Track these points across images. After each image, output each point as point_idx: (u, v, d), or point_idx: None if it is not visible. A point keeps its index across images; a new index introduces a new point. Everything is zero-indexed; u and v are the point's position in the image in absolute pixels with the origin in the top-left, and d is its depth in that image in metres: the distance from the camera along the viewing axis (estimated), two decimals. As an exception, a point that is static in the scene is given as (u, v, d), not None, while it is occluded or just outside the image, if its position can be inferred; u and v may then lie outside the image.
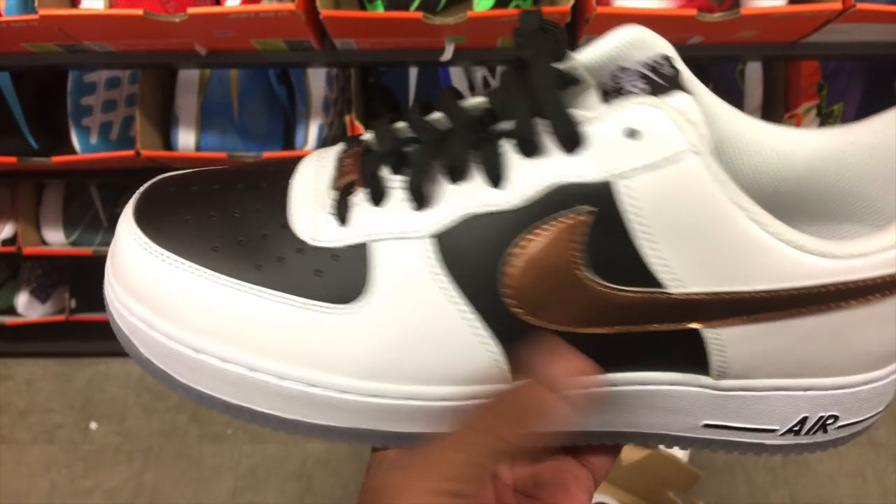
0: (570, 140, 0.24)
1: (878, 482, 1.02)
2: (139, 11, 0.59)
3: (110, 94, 0.83)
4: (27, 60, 0.69)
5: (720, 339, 0.27)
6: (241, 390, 0.27)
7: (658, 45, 0.27)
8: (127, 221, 0.28)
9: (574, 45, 0.66)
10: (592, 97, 0.27)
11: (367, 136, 0.30)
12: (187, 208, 0.28)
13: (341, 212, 0.27)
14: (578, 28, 0.64)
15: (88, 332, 1.13)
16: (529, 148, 0.25)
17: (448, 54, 0.66)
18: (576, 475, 0.30)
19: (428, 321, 0.26)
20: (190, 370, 0.28)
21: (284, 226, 0.27)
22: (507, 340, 0.27)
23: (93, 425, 1.11)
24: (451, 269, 0.26)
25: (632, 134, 0.23)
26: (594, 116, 0.24)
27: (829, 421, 0.29)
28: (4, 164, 0.79)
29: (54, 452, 1.09)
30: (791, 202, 0.30)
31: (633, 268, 0.25)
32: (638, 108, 0.24)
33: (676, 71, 0.26)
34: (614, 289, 0.25)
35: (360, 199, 0.27)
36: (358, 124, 0.76)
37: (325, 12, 0.59)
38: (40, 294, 1.09)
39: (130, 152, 0.77)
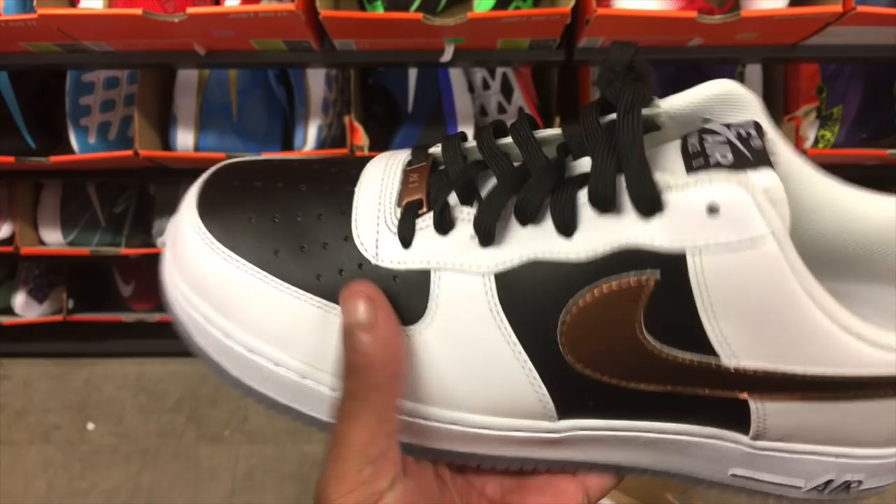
0: (650, 206, 0.24)
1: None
2: (138, 11, 0.58)
3: (109, 93, 0.83)
4: (25, 60, 0.69)
5: (764, 409, 0.27)
6: (290, 393, 0.28)
7: (748, 103, 0.26)
8: (191, 212, 0.29)
9: (573, 47, 0.66)
10: (673, 153, 0.26)
11: (435, 149, 0.30)
12: (251, 206, 0.29)
13: (406, 234, 0.27)
14: (578, 29, 0.64)
15: (86, 333, 1.13)
16: (606, 206, 0.25)
17: (448, 55, 0.66)
18: (563, 489, 0.30)
19: (481, 355, 0.27)
20: (242, 367, 0.28)
21: (347, 238, 0.28)
22: (555, 384, 0.27)
23: (90, 426, 1.10)
24: (509, 310, 0.26)
25: (713, 210, 0.23)
26: (676, 185, 0.24)
27: (854, 484, 0.29)
28: (2, 163, 0.79)
29: (51, 453, 1.09)
30: (855, 262, 0.30)
31: (691, 335, 0.25)
32: (723, 186, 0.23)
33: (764, 143, 0.25)
34: (669, 352, 0.26)
35: (425, 223, 0.27)
36: (357, 125, 0.75)
37: (324, 12, 0.59)
38: (38, 294, 1.09)
39: (129, 152, 0.76)
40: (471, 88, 0.81)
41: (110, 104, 0.83)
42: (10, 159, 0.79)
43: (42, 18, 0.60)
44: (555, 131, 0.28)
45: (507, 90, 0.79)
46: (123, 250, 0.95)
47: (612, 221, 0.25)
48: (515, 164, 0.27)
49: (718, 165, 0.24)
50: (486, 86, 0.80)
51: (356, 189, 0.29)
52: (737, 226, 0.23)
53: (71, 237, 0.97)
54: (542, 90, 0.84)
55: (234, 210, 0.29)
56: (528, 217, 0.26)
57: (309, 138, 0.79)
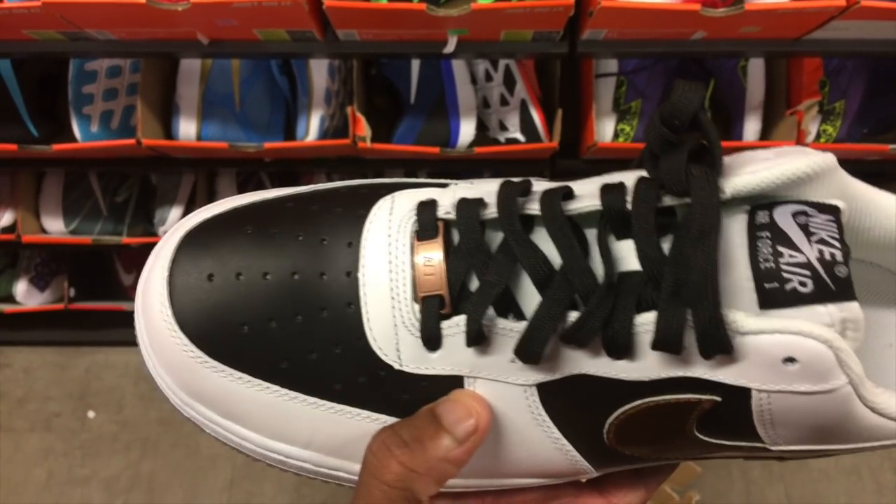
0: (718, 350, 0.22)
1: (872, 479, 1.03)
2: (142, -1, 0.58)
3: (111, 82, 0.83)
4: (28, 48, 0.69)
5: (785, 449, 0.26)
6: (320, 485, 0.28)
7: (829, 176, 0.23)
8: (169, 326, 0.26)
9: (577, 39, 0.66)
10: (739, 258, 0.23)
11: (445, 213, 0.26)
12: (239, 311, 0.25)
13: (430, 335, 0.25)
14: (582, 21, 0.64)
15: (87, 321, 1.13)
16: (670, 350, 0.22)
17: (451, 47, 0.66)
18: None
19: (521, 447, 0.26)
20: (264, 458, 0.28)
21: (361, 338, 0.25)
22: (598, 461, 0.27)
23: (90, 414, 1.11)
24: (552, 415, 0.25)
25: (790, 361, 0.21)
26: (750, 329, 0.21)
27: None
28: (5, 151, 0.79)
29: (52, 441, 1.09)
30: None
31: (744, 435, 0.24)
32: (803, 340, 0.21)
33: (848, 268, 0.22)
34: (719, 441, 0.25)
35: (452, 329, 0.24)
36: (359, 116, 0.76)
37: (327, 2, 0.59)
38: (39, 282, 1.09)
39: (131, 141, 0.76)
40: (473, 80, 0.80)
41: (113, 93, 0.83)
42: (13, 147, 0.79)
43: (45, 6, 0.59)
44: (593, 204, 0.24)
45: (509, 82, 0.79)
46: (125, 239, 0.96)
47: (674, 359, 0.23)
48: (549, 252, 0.24)
49: (795, 294, 0.21)
50: (488, 77, 0.80)
51: (359, 275, 0.25)
52: (814, 378, 0.21)
53: (73, 226, 0.97)
54: (544, 82, 0.84)
55: (220, 320, 0.25)
56: (579, 345, 0.24)
57: (311, 129, 0.79)
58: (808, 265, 0.21)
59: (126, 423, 1.10)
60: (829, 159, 0.23)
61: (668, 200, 0.23)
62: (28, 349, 1.17)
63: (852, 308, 0.21)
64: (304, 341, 0.25)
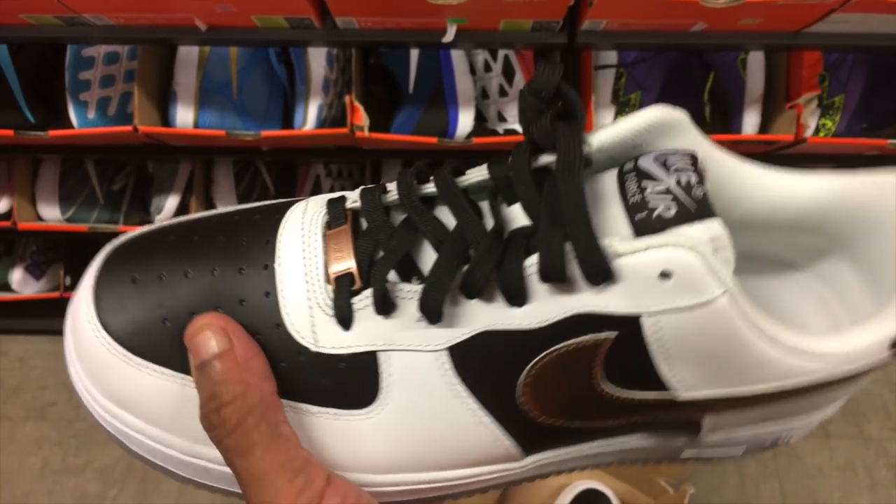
0: (602, 277, 0.23)
1: (867, 475, 1.03)
2: (139, -17, 0.58)
3: (109, 69, 0.83)
4: (25, 32, 0.68)
5: (714, 420, 0.28)
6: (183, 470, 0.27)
7: (682, 128, 0.26)
8: (90, 320, 0.26)
9: (576, 30, 0.66)
10: (612, 201, 0.25)
11: (353, 203, 0.28)
12: (160, 307, 0.26)
13: (343, 315, 0.26)
14: (582, 11, 0.64)
15: (83, 310, 1.13)
16: (557, 280, 0.24)
17: (450, 36, 0.66)
18: None
19: (443, 424, 0.26)
20: (188, 469, 0.27)
21: (279, 325, 0.26)
22: (521, 435, 0.27)
23: (85, 403, 1.11)
24: (465, 379, 0.26)
25: (665, 276, 0.23)
26: (626, 251, 0.23)
27: (783, 440, 0.31)
28: (1, 137, 0.79)
29: (46, 429, 1.09)
30: (785, 242, 0.31)
31: (648, 379, 0.25)
32: (673, 251, 0.23)
33: (705, 189, 0.24)
34: (628, 394, 0.26)
35: (363, 302, 0.25)
36: (357, 105, 0.75)
37: (327, -11, 0.59)
38: (35, 271, 1.09)
39: (128, 128, 0.76)
40: (472, 70, 0.80)
41: (110, 79, 0.83)
42: (9, 133, 0.78)
43: (42, -11, 0.59)
44: (480, 174, 0.27)
45: (508, 73, 0.79)
46: (121, 227, 0.95)
47: (563, 291, 0.24)
48: (447, 223, 0.26)
49: (661, 220, 0.24)
50: (487, 68, 0.80)
51: (276, 266, 0.26)
52: (690, 290, 0.23)
53: (69, 213, 0.97)
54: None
55: (141, 313, 0.26)
56: (477, 293, 0.25)
57: (309, 117, 0.78)
58: (668, 191, 0.24)
59: (121, 412, 1.10)
60: (680, 113, 0.26)
61: (543, 159, 0.25)
62: (23, 338, 1.16)
63: (714, 225, 0.23)
64: None
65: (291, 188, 0.98)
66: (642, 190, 0.24)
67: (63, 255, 1.11)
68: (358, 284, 0.26)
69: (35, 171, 0.98)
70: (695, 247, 0.22)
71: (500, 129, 0.81)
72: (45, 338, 1.17)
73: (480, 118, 0.82)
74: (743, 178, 0.28)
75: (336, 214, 0.27)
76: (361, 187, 0.28)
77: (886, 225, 0.28)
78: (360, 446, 0.27)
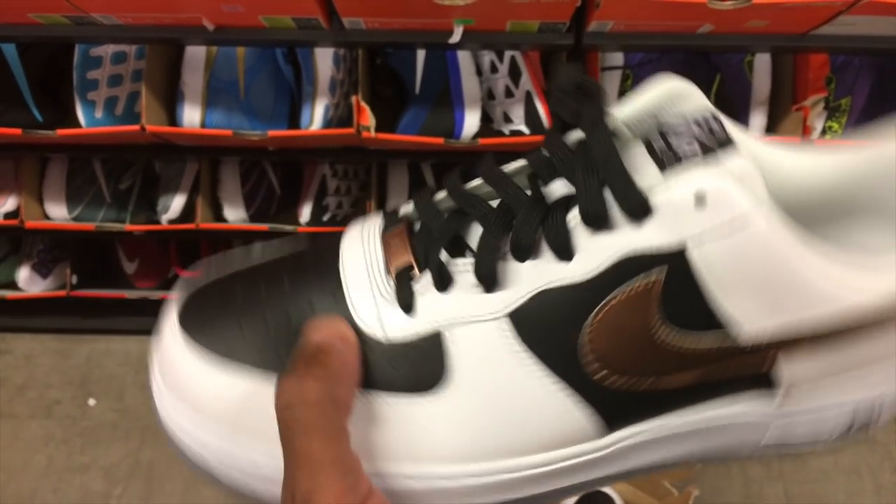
0: (639, 212, 0.24)
1: (872, 479, 1.02)
2: (148, -17, 0.58)
3: (116, 68, 0.83)
4: (34, 32, 0.69)
5: (788, 370, 0.27)
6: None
7: (696, 97, 0.27)
8: (178, 342, 0.28)
9: (583, 31, 0.66)
10: (641, 158, 0.26)
11: (406, 208, 0.30)
12: (240, 317, 0.28)
13: (406, 301, 0.27)
14: (588, 12, 0.64)
15: (89, 309, 1.13)
16: (600, 223, 0.25)
17: (457, 36, 0.66)
18: None
19: (515, 398, 0.27)
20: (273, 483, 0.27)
21: (348, 320, 0.27)
22: (596, 402, 0.27)
23: (91, 402, 1.11)
24: (529, 345, 0.26)
25: (700, 201, 0.24)
26: (659, 185, 0.24)
27: (874, 422, 0.30)
28: (9, 136, 0.79)
29: (52, 428, 1.09)
30: (812, 219, 0.31)
31: (706, 316, 0.26)
32: (703, 177, 0.24)
33: (724, 128, 0.26)
34: (691, 339, 0.26)
35: (422, 285, 0.27)
36: (364, 105, 0.75)
37: (334, -11, 0.59)
38: (42, 269, 1.09)
39: (135, 127, 0.76)
40: (479, 71, 0.80)
41: (118, 79, 0.83)
42: (17, 132, 0.79)
43: (52, -11, 0.60)
44: (519, 163, 0.28)
45: (514, 74, 0.79)
46: (128, 226, 0.96)
47: (607, 236, 0.25)
48: (493, 203, 0.27)
49: (688, 159, 0.25)
50: (493, 69, 0.80)
51: (340, 269, 0.28)
52: (724, 209, 0.24)
53: (76, 212, 0.97)
54: (549, 75, 0.84)
55: (222, 321, 0.28)
56: (526, 253, 0.26)
57: (316, 118, 0.78)
58: (690, 133, 0.25)
59: (127, 411, 1.10)
60: (690, 84, 0.27)
61: (575, 135, 0.26)
62: (29, 336, 1.17)
63: (735, 154, 0.24)
64: (296, 333, 0.27)
65: (297, 188, 0.98)
66: (668, 143, 0.25)
67: (69, 254, 1.11)
68: (417, 272, 0.27)
69: (42, 170, 0.98)
70: (726, 169, 0.24)
71: (506, 130, 0.81)
72: (51, 336, 1.17)
73: (486, 119, 0.82)
74: (783, 160, 0.29)
75: (390, 221, 0.29)
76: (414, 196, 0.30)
77: None
78: (437, 432, 0.27)
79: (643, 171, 0.25)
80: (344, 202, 0.99)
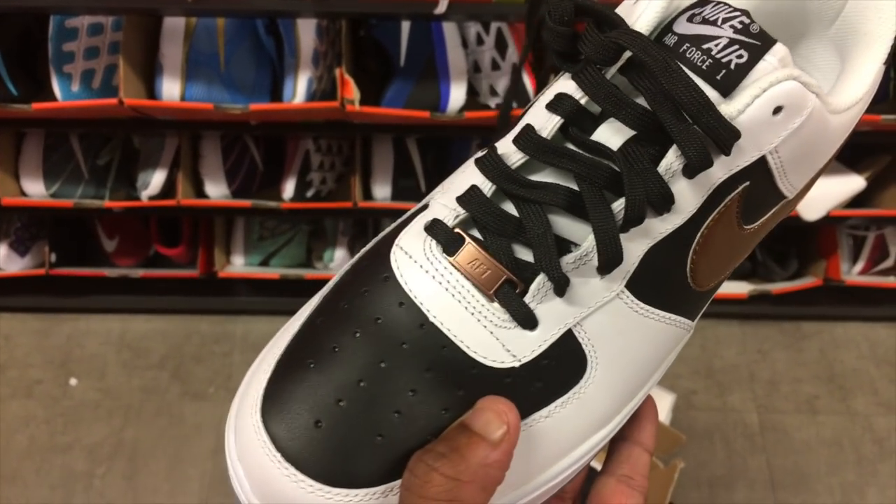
0: (732, 140, 0.24)
1: (853, 450, 1.04)
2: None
3: (93, 40, 0.81)
4: (8, 1, 0.67)
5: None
6: None
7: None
8: (270, 455, 0.25)
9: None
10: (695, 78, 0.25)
11: (453, 219, 0.27)
12: (338, 433, 0.25)
13: (525, 318, 0.26)
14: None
15: (68, 288, 1.12)
16: (706, 164, 0.25)
17: (442, 7, 0.65)
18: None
19: (644, 347, 0.28)
20: None
21: (475, 367, 0.25)
22: (694, 311, 0.30)
23: (72, 381, 1.10)
24: (648, 301, 0.27)
25: (777, 111, 0.24)
26: (738, 109, 0.24)
27: None
28: (-17, 110, 0.77)
29: (33, 408, 1.08)
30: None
31: (772, 199, 0.28)
32: (779, 87, 0.24)
33: (755, 23, 0.25)
34: (759, 221, 0.29)
35: (537, 297, 0.26)
36: (348, 78, 0.74)
37: (317, -43, 0.57)
38: (19, 247, 1.08)
39: (113, 101, 0.75)
40: (464, 43, 0.79)
41: (94, 51, 0.81)
42: (-8, 106, 0.77)
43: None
44: (553, 122, 0.26)
45: (501, 46, 0.78)
46: (107, 203, 0.94)
47: (701, 175, 0.25)
48: (554, 182, 0.26)
49: (740, 68, 0.24)
50: (479, 41, 0.79)
51: (429, 318, 0.25)
52: (797, 111, 0.25)
53: (53, 189, 0.95)
54: (536, 47, 0.83)
55: (323, 447, 0.25)
56: (640, 220, 0.25)
57: (298, 91, 0.77)
58: (731, 41, 0.25)
59: (108, 390, 1.09)
60: None
61: (608, 73, 0.25)
62: (8, 315, 1.15)
63: (780, 48, 0.25)
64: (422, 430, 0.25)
65: (280, 164, 0.97)
66: (707, 53, 0.25)
67: (48, 232, 1.09)
68: (520, 286, 0.26)
69: (18, 145, 0.96)
70: (786, 72, 0.24)
71: (492, 103, 0.80)
72: (30, 315, 1.15)
73: (472, 92, 0.81)
74: None
75: (447, 240, 0.26)
76: (453, 198, 0.27)
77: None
78: (591, 412, 0.28)
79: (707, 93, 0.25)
80: (328, 178, 0.98)
